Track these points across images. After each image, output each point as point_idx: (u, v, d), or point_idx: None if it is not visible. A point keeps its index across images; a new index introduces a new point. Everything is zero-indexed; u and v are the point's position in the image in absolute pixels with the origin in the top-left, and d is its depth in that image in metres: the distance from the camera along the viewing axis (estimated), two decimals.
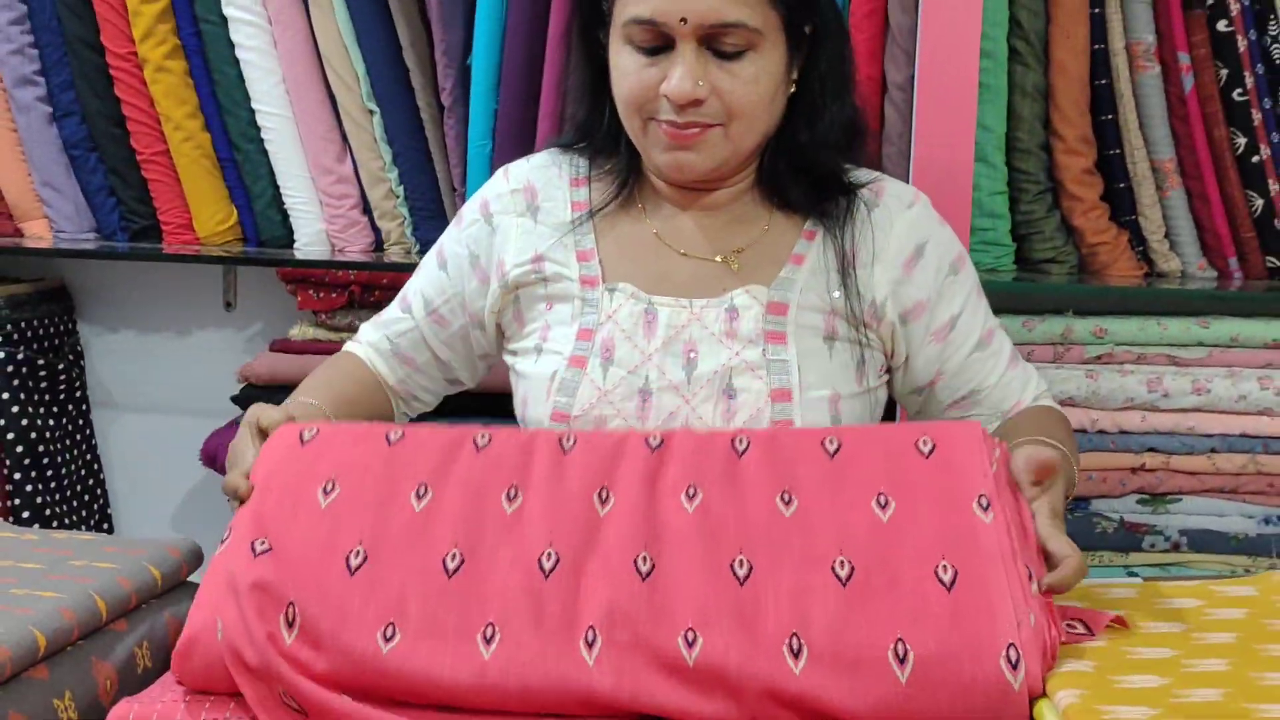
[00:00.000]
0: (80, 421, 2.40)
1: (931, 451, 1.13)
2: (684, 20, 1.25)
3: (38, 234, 2.20)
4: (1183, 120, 1.86)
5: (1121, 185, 1.90)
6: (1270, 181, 1.85)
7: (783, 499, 1.11)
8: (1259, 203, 1.87)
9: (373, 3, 2.01)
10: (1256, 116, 1.84)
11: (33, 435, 2.24)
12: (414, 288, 1.50)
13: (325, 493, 1.14)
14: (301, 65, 2.05)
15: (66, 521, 2.31)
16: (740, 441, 1.16)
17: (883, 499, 1.10)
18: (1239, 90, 1.83)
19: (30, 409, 2.25)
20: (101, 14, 2.08)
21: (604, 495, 1.12)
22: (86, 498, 2.39)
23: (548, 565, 1.07)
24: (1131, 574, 1.86)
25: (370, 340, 1.51)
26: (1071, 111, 1.86)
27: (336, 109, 2.07)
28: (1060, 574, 1.08)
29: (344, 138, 2.08)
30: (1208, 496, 1.87)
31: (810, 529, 1.09)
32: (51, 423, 2.30)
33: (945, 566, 1.04)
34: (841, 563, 1.06)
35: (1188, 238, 1.91)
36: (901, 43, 1.85)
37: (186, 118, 2.09)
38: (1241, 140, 1.85)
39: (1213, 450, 1.85)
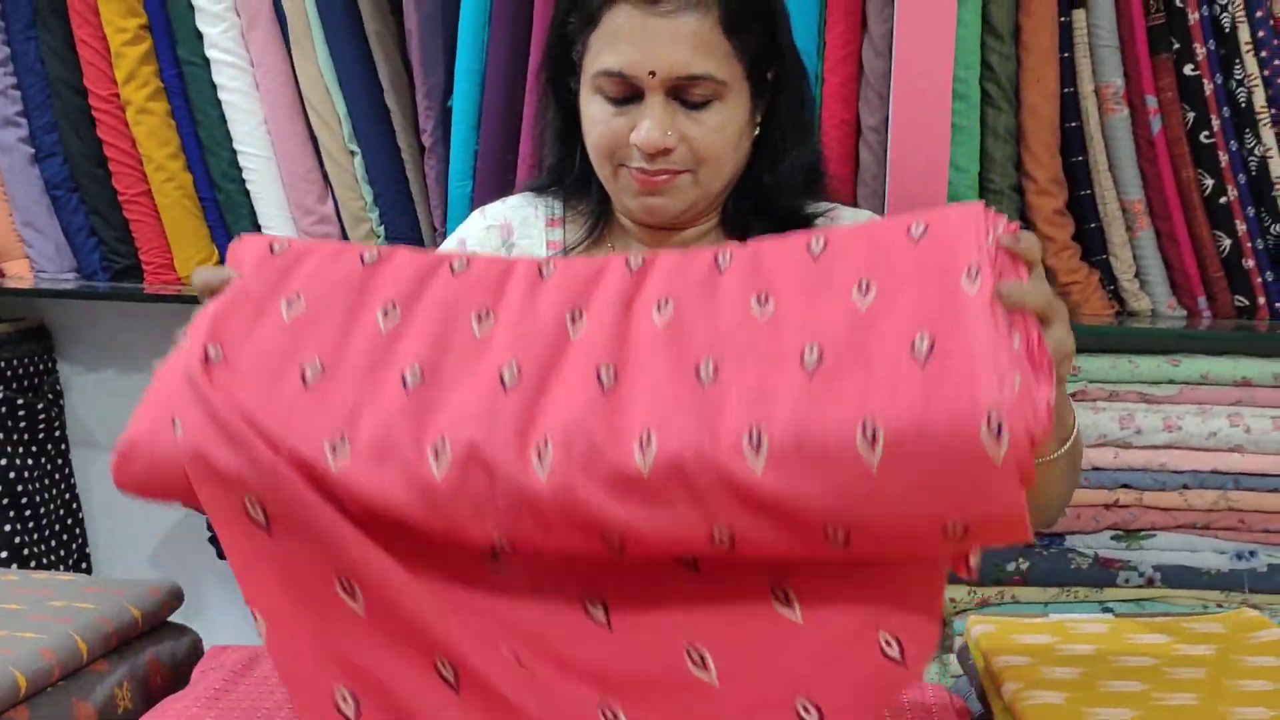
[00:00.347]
0: (59, 461, 2.39)
1: (923, 234, 1.00)
2: (652, 73, 1.28)
3: (18, 274, 2.21)
4: (1151, 162, 1.89)
5: (1092, 225, 1.93)
6: (1237, 222, 1.89)
7: (759, 300, 1.02)
8: (1226, 243, 1.90)
9: (354, 45, 2.03)
10: (1223, 158, 1.87)
11: (11, 475, 2.24)
12: None
13: (289, 304, 1.07)
14: (283, 107, 2.07)
15: (45, 561, 2.30)
16: (724, 256, 1.07)
17: (864, 285, 0.99)
18: (1206, 133, 1.87)
19: (9, 448, 2.25)
20: (85, 57, 2.09)
21: (576, 315, 1.05)
22: (65, 537, 2.38)
23: (508, 378, 1.01)
24: (1107, 609, 1.88)
25: None
26: (1042, 153, 1.89)
27: (318, 150, 2.09)
28: (1011, 282, 0.95)
29: (325, 178, 2.10)
30: (1180, 532, 1.89)
31: (783, 326, 1.00)
32: (30, 462, 2.30)
33: (922, 337, 0.92)
34: (811, 348, 0.96)
35: (1158, 277, 1.94)
36: (875, 86, 1.88)
37: (168, 158, 2.11)
38: (1209, 181, 1.88)
39: (1184, 486, 1.88)
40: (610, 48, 1.30)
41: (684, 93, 1.30)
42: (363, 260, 1.10)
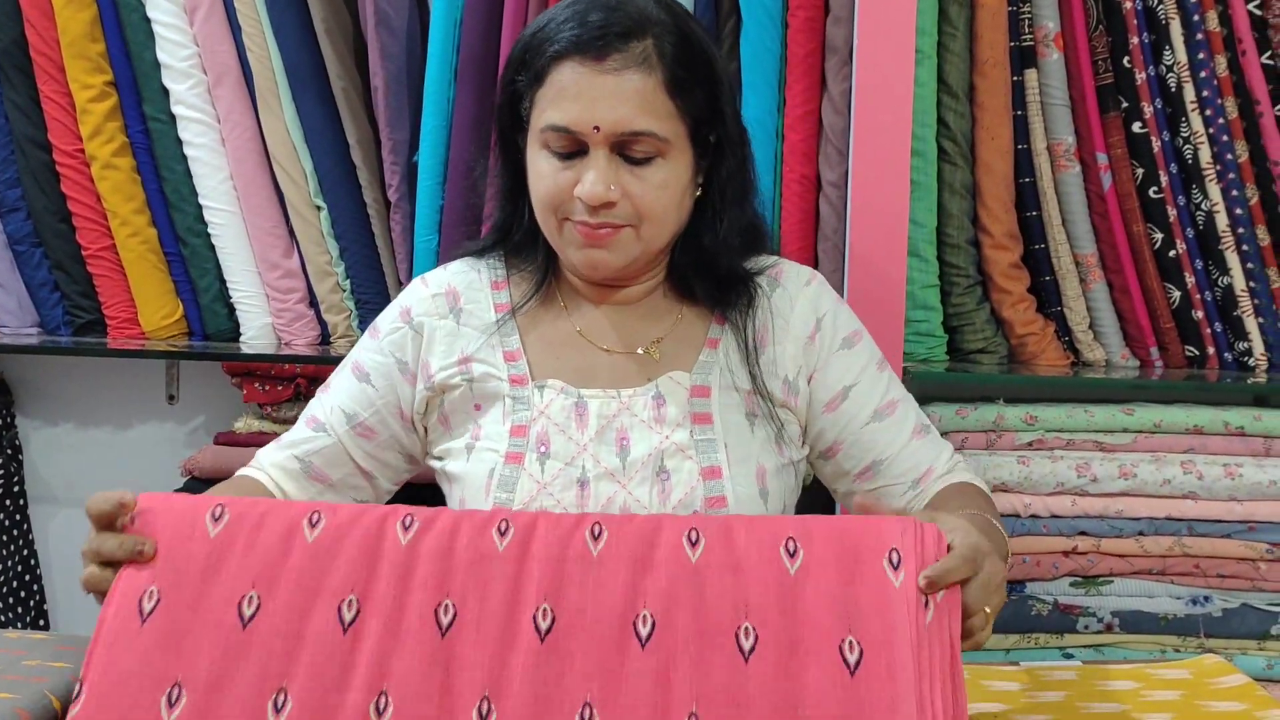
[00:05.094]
0: (17, 517, 2.36)
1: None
2: (596, 128, 1.32)
3: None
4: (1103, 216, 1.95)
5: (1047, 278, 1.98)
6: (1186, 275, 1.94)
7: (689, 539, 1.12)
8: (1176, 295, 1.95)
9: (320, 102, 2.04)
10: (1171, 213, 1.93)
11: None
12: (328, 405, 1.47)
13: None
14: (249, 163, 2.08)
15: (1, 619, 2.27)
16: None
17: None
18: (1154, 188, 1.92)
19: None
20: (50, 113, 2.09)
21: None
22: (22, 594, 2.35)
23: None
24: (1067, 655, 1.90)
25: (275, 462, 1.47)
26: (998, 208, 1.94)
27: (284, 205, 2.09)
28: (939, 564, 1.08)
29: (291, 233, 2.10)
30: (1137, 578, 1.93)
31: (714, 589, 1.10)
32: None
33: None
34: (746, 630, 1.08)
35: (1111, 329, 1.99)
36: (835, 142, 1.92)
37: (133, 213, 2.11)
38: (1159, 235, 1.94)
39: (1140, 533, 1.91)
40: (556, 104, 1.34)
41: (627, 149, 1.34)
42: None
